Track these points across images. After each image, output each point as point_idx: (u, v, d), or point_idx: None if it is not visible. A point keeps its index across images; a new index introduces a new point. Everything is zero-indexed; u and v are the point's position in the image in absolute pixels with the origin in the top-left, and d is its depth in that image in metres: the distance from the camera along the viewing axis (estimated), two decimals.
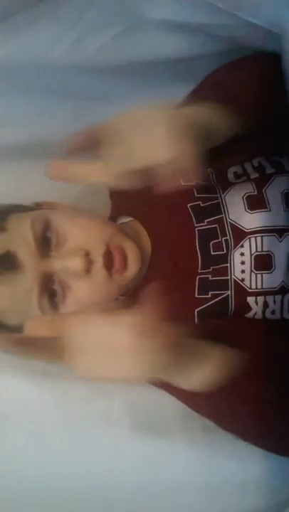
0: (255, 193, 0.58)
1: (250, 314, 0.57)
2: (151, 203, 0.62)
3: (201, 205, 0.59)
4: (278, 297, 0.56)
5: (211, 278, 0.57)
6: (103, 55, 0.55)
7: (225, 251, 0.57)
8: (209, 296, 0.57)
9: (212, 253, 0.58)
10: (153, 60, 0.57)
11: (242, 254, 0.57)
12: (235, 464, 0.61)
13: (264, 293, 0.56)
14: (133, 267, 0.58)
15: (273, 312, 0.57)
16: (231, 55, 0.58)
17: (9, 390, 0.65)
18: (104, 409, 0.64)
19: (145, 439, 0.62)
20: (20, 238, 0.54)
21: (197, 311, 0.58)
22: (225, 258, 0.57)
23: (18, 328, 0.59)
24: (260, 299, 0.56)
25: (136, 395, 0.64)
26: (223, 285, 0.57)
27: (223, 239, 0.57)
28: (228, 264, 0.57)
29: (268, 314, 0.57)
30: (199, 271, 0.58)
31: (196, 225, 0.59)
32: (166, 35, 0.54)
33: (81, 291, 0.56)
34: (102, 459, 0.63)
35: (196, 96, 0.58)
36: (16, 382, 0.65)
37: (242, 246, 0.57)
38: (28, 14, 0.50)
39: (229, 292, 0.57)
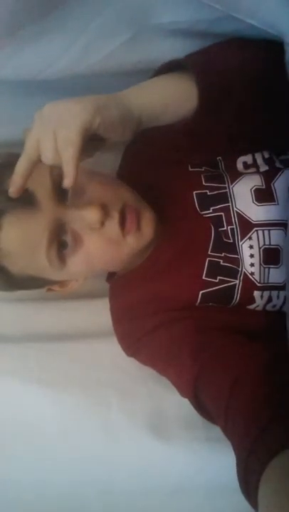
0: (264, 186, 0.58)
1: (251, 306, 0.58)
2: (158, 188, 0.62)
3: (208, 193, 0.59)
4: (282, 293, 0.57)
5: (222, 263, 0.57)
6: (110, 62, 0.55)
7: (232, 240, 0.57)
8: (217, 280, 0.57)
9: (224, 239, 0.58)
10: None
11: (251, 246, 0.57)
12: (235, 468, 0.59)
13: (270, 288, 0.57)
14: (147, 230, 0.56)
15: (274, 306, 0.58)
16: None
17: (5, 398, 0.63)
18: (103, 416, 0.62)
19: (144, 446, 0.61)
20: (39, 179, 0.52)
21: (201, 293, 0.58)
22: (234, 248, 0.57)
23: (17, 281, 0.56)
24: (266, 293, 0.57)
25: (135, 403, 0.63)
26: (233, 274, 0.57)
27: (228, 227, 0.58)
28: (239, 256, 0.57)
29: (268, 307, 0.58)
30: (210, 253, 0.58)
31: (200, 212, 0.59)
32: (172, 41, 0.55)
33: (92, 245, 0.54)
34: (100, 466, 0.61)
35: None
36: (12, 391, 0.63)
37: (250, 238, 0.57)
38: (35, 27, 0.50)
39: (237, 282, 0.57)
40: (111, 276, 0.68)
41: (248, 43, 0.54)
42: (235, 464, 0.58)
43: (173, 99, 0.49)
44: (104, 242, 0.54)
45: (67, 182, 0.45)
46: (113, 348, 0.65)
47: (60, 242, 0.54)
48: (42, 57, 0.53)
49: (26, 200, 0.51)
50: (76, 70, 0.55)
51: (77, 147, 0.43)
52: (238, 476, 0.45)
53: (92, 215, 0.52)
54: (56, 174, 0.53)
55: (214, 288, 0.57)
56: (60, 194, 0.54)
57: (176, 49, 0.56)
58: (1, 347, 0.66)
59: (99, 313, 0.68)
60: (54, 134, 0.43)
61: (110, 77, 0.58)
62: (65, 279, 0.61)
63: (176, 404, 0.60)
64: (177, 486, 0.60)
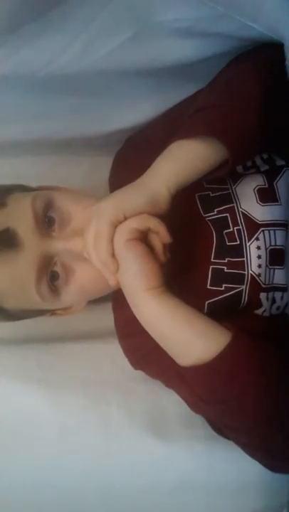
0: (266, 186, 0.58)
1: (259, 311, 0.57)
2: None
3: (211, 195, 0.58)
4: (286, 294, 0.57)
5: (226, 270, 0.56)
6: (111, 61, 0.54)
7: (238, 241, 0.56)
8: (223, 288, 0.56)
9: (227, 243, 0.57)
10: (161, 65, 0.57)
11: (258, 247, 0.56)
12: (234, 467, 0.60)
13: (274, 289, 0.57)
14: None
15: (278, 308, 0.58)
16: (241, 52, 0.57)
17: (5, 397, 0.63)
18: (103, 415, 0.62)
19: (144, 445, 0.61)
20: (20, 215, 0.52)
21: (208, 303, 0.57)
22: (240, 250, 0.56)
23: (16, 315, 0.57)
24: (270, 295, 0.57)
25: (135, 402, 0.63)
26: (239, 279, 0.56)
27: (235, 229, 0.57)
28: (245, 258, 0.56)
29: (273, 310, 0.58)
30: (212, 260, 0.57)
31: (204, 215, 0.58)
32: (174, 41, 0.54)
33: (84, 274, 0.54)
34: (100, 464, 0.61)
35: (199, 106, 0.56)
36: (12, 390, 0.63)
37: (257, 239, 0.56)
38: (37, 24, 0.49)
39: (244, 287, 0.56)
40: None
41: (245, 70, 0.54)
42: (234, 463, 0.59)
43: (195, 163, 0.50)
44: (96, 270, 0.52)
45: (110, 283, 0.50)
46: (113, 347, 0.65)
47: (52, 273, 0.53)
48: (42, 54, 0.53)
49: (8, 240, 0.51)
50: (77, 67, 0.54)
51: (106, 239, 0.48)
52: None
53: (77, 246, 0.52)
54: (38, 206, 0.53)
55: (220, 296, 0.56)
56: (45, 225, 0.53)
57: (177, 49, 0.56)
58: (2, 348, 0.66)
59: (99, 313, 0.68)
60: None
61: (110, 77, 0.58)
62: (65, 306, 0.61)
63: (176, 403, 0.60)
64: (177, 485, 0.61)
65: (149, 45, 0.55)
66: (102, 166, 0.71)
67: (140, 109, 0.65)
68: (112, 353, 0.65)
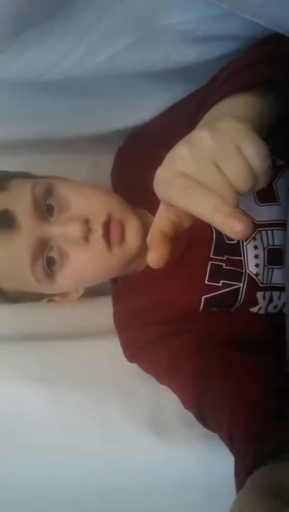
0: (265, 185, 0.58)
1: (254, 309, 0.57)
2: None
3: None
4: (284, 294, 0.57)
5: (224, 267, 0.57)
6: (114, 64, 0.55)
7: (236, 240, 0.57)
8: (220, 284, 0.57)
9: (226, 241, 0.57)
10: (164, 67, 0.57)
11: (255, 247, 0.56)
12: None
13: (271, 288, 0.57)
14: (132, 241, 0.56)
15: (275, 307, 0.58)
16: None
17: (6, 395, 0.63)
18: (103, 414, 0.62)
19: (144, 444, 0.61)
20: (20, 199, 0.53)
21: (204, 298, 0.57)
22: (238, 249, 0.57)
23: (14, 297, 0.58)
24: (268, 294, 0.57)
25: (135, 401, 0.63)
26: (237, 277, 0.56)
27: None
28: (242, 258, 0.56)
29: (270, 309, 0.58)
30: (212, 256, 0.57)
31: None
32: (178, 44, 0.55)
33: (79, 259, 0.55)
34: (100, 463, 0.61)
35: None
36: (12, 388, 0.63)
37: (254, 239, 0.56)
38: (41, 28, 0.49)
39: (241, 285, 0.56)
40: (114, 280, 0.67)
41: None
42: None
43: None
44: (90, 256, 0.55)
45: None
46: (113, 346, 0.65)
47: (48, 259, 0.55)
48: (46, 59, 0.53)
49: (6, 221, 0.52)
50: (80, 71, 0.55)
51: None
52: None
53: (73, 231, 0.53)
54: (38, 192, 0.54)
55: (217, 292, 0.57)
56: (43, 211, 0.54)
57: (180, 52, 0.56)
58: (2, 346, 0.66)
59: (99, 311, 0.69)
60: None
61: (112, 78, 0.58)
62: (62, 292, 0.62)
63: (176, 402, 0.60)
64: (177, 483, 0.61)
65: (152, 49, 0.55)
66: (104, 164, 0.72)
67: (141, 110, 0.66)
68: (113, 352, 0.65)
